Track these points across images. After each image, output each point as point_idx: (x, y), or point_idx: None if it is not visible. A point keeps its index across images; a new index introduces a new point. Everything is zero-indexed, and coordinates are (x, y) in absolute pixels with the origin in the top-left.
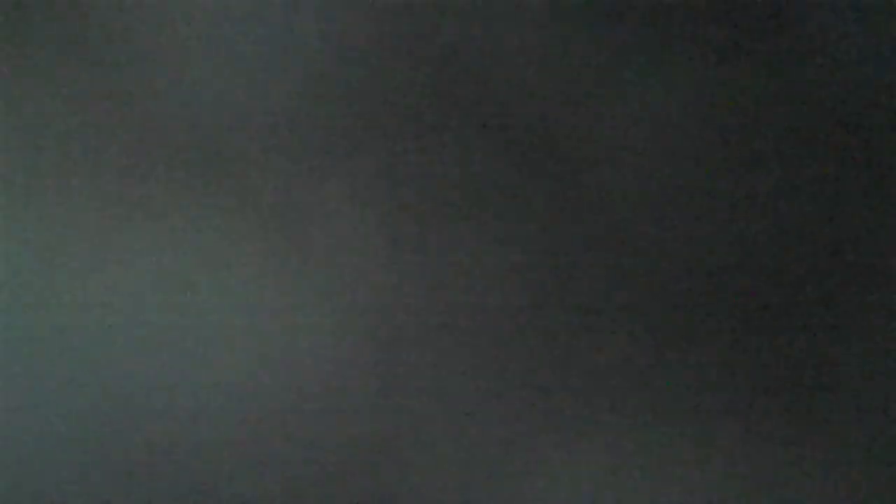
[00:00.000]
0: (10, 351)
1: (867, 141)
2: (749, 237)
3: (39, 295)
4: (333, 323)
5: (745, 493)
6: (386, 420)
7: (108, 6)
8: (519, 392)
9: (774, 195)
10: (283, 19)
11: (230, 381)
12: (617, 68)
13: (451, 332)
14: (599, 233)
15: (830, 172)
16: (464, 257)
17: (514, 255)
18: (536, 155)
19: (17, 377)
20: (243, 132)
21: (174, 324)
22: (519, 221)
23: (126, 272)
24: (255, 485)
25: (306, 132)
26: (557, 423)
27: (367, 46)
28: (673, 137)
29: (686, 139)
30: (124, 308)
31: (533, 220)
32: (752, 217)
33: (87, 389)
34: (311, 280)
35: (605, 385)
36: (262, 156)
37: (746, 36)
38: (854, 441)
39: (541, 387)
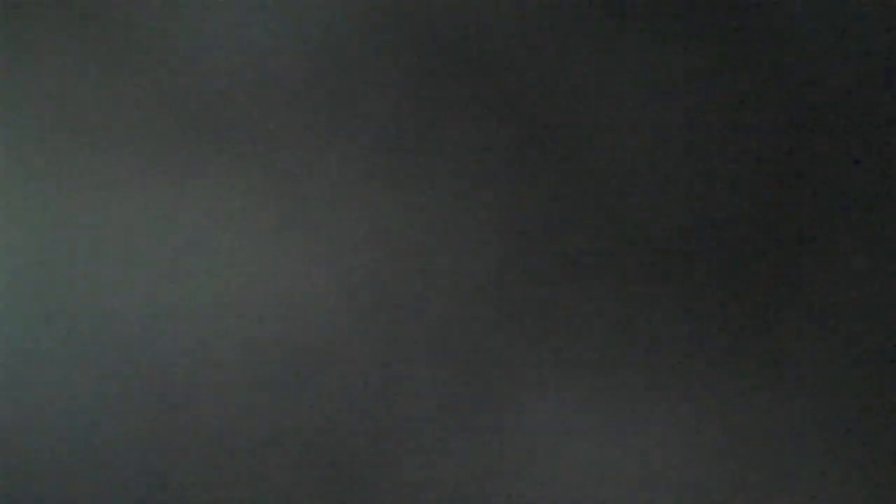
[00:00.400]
0: (45, 316)
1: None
2: (743, 210)
3: (68, 259)
4: (342, 285)
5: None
6: (386, 370)
7: None
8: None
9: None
10: None
11: (248, 338)
12: (618, 52)
13: (453, 293)
14: (600, 202)
15: (827, 151)
16: (465, 223)
17: (515, 219)
18: (540, 132)
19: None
20: (261, 102)
21: (191, 289)
22: (521, 193)
23: (150, 236)
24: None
25: (319, 101)
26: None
27: (384, 21)
28: (672, 119)
29: (685, 121)
30: (145, 275)
31: (535, 190)
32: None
33: (119, 347)
34: (321, 248)
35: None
36: (279, 125)
37: (751, 23)
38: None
39: (545, 348)
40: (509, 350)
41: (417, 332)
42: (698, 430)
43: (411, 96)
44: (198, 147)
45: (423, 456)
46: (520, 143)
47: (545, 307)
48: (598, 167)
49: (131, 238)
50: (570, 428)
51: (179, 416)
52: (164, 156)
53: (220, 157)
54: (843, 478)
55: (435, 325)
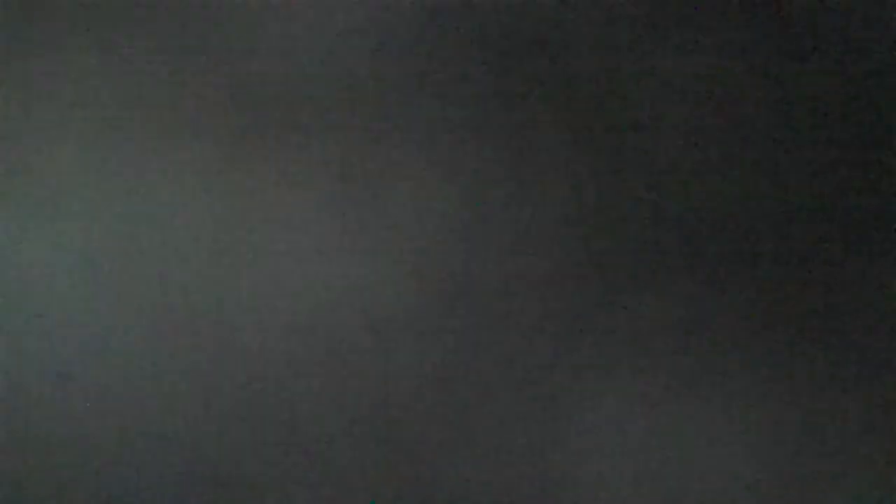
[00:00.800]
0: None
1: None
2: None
3: (123, 245)
4: (399, 274)
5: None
6: (439, 364)
7: None
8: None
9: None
10: None
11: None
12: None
13: (508, 287)
14: (640, 196)
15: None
16: (523, 217)
17: (560, 209)
18: (586, 120)
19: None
20: (314, 96)
21: (240, 279)
22: (563, 183)
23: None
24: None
25: (374, 94)
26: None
27: (441, 17)
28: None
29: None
30: (197, 264)
31: (579, 181)
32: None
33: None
34: (386, 238)
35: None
36: (332, 118)
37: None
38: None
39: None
40: (564, 346)
41: (470, 327)
42: (756, 429)
43: (469, 91)
44: (264, 138)
45: (477, 448)
46: (581, 139)
47: (602, 304)
48: (656, 163)
49: (198, 229)
50: (626, 422)
51: (258, 402)
52: (231, 148)
53: (282, 147)
54: None
55: (488, 321)
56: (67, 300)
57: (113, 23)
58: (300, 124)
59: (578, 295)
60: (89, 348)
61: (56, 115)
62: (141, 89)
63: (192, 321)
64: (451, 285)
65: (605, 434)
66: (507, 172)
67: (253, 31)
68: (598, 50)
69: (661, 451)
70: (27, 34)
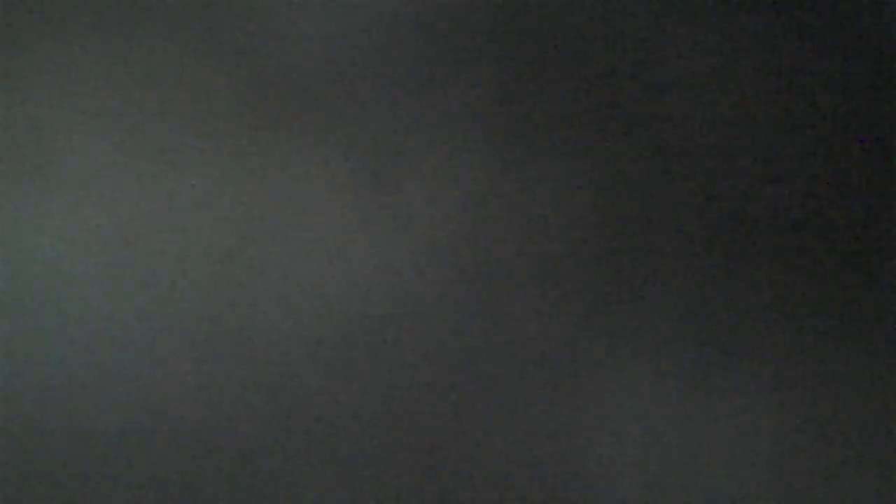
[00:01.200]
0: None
1: None
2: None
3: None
4: (429, 265)
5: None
6: (467, 350)
7: None
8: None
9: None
10: None
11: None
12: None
13: (544, 275)
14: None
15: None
16: (561, 207)
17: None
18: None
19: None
20: (349, 79)
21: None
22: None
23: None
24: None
25: (406, 75)
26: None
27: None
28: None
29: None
30: (230, 247)
31: (629, 175)
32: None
33: (192, 321)
34: (422, 230)
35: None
36: (367, 101)
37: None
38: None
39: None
40: (596, 333)
41: (500, 312)
42: (790, 421)
43: (492, 78)
44: (291, 130)
45: (507, 436)
46: (618, 129)
47: (636, 293)
48: (694, 156)
49: (220, 221)
50: (655, 412)
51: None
52: (258, 141)
53: (309, 139)
54: None
55: (518, 308)
56: (88, 286)
57: (142, 8)
58: (324, 114)
59: (601, 283)
60: (108, 334)
61: (82, 102)
62: (170, 76)
63: (210, 312)
64: (472, 272)
65: (628, 424)
66: (527, 160)
67: (286, 17)
68: (605, 45)
69: (687, 443)
70: (55, 17)
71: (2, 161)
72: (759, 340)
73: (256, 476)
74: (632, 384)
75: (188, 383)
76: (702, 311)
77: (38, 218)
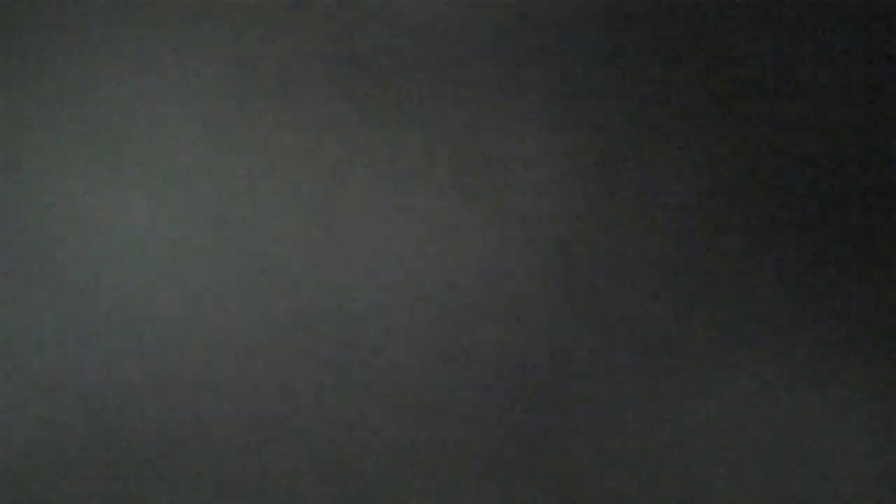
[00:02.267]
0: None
1: None
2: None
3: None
4: (519, 256)
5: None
6: (561, 344)
7: None
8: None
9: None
10: None
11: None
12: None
13: (636, 269)
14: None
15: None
16: (653, 201)
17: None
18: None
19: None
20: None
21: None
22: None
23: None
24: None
25: (486, 67)
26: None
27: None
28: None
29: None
30: (299, 232)
31: (725, 174)
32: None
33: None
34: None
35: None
36: (449, 94)
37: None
38: None
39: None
40: (692, 329)
41: (601, 306)
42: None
43: (611, 77)
44: (394, 125)
45: (597, 433)
46: (724, 127)
47: (741, 288)
48: (797, 157)
49: (303, 220)
50: (749, 410)
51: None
52: (336, 121)
53: (415, 137)
54: None
55: (619, 302)
56: (161, 272)
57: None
58: (426, 109)
59: (705, 278)
60: (181, 326)
61: (161, 93)
62: (264, 62)
63: (311, 310)
64: (571, 268)
65: (736, 420)
66: (630, 155)
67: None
68: (710, 43)
69: (796, 439)
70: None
71: (83, 151)
72: (874, 338)
73: (360, 479)
74: (735, 379)
75: (292, 385)
76: (812, 306)
77: (124, 212)
